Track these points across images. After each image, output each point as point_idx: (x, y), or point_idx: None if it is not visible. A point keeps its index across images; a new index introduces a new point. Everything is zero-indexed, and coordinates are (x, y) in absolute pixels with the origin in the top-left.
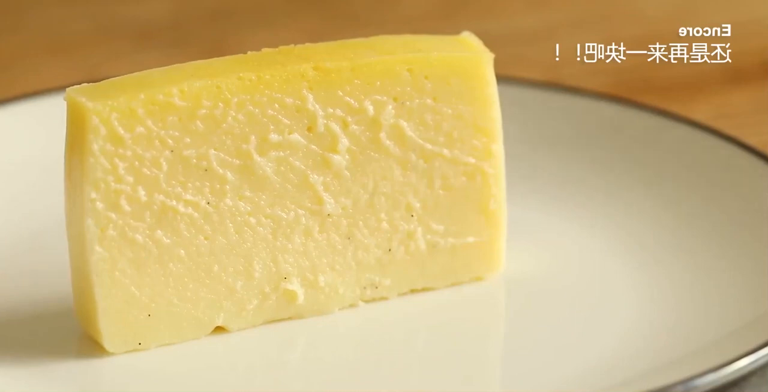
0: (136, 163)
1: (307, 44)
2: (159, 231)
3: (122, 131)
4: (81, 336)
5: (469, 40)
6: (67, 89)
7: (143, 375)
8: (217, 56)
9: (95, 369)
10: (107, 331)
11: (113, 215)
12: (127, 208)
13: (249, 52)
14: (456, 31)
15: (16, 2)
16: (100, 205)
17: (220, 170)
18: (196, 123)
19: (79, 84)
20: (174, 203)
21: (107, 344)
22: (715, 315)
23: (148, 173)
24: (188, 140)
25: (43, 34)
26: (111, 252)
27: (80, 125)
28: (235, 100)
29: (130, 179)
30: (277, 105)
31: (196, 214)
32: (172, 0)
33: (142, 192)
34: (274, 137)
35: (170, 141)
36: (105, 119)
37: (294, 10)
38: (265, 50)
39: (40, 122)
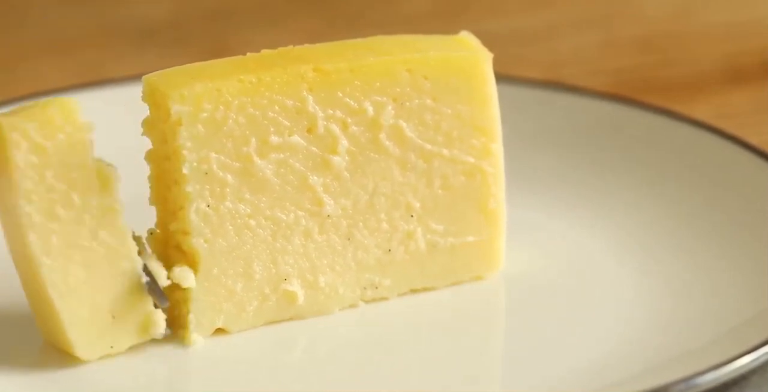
0: (64, 169)
1: (305, 45)
2: (102, 232)
3: (42, 140)
4: None
5: (467, 39)
6: None
7: (143, 376)
8: (218, 56)
9: (95, 371)
10: (77, 339)
11: (54, 226)
12: (64, 215)
13: (248, 54)
14: (456, 31)
15: (16, 2)
16: (37, 217)
17: (221, 173)
18: (197, 127)
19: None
20: None
21: (80, 352)
22: (715, 314)
23: (77, 176)
24: (189, 144)
25: (43, 34)
26: (59, 261)
27: (1, 143)
28: (236, 102)
29: (63, 186)
30: (277, 107)
31: (194, 217)
32: (172, 0)
33: (75, 197)
34: (274, 139)
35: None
36: (24, 132)
37: (294, 10)
38: (264, 51)
39: None
